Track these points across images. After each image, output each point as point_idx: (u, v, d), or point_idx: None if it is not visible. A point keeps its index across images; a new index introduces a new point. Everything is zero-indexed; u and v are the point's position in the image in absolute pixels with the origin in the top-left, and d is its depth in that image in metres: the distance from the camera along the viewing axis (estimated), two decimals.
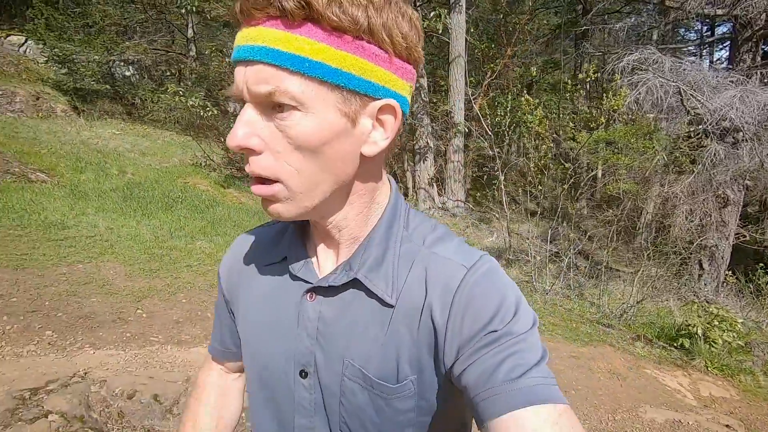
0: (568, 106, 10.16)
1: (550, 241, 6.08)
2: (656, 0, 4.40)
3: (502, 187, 6.22)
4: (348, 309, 0.51)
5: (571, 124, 6.24)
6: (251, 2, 0.39)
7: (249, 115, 0.42)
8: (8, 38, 12.07)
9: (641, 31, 10.12)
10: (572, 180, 5.81)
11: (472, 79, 9.81)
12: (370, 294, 0.50)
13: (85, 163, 6.49)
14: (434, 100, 9.16)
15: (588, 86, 9.44)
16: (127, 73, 12.22)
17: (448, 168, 9.34)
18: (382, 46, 0.42)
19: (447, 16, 6.21)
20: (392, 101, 0.44)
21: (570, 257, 5.42)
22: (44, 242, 3.45)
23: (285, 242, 0.56)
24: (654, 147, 5.38)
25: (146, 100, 11.13)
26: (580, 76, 4.98)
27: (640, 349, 4.02)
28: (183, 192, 6.42)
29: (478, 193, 9.94)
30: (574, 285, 5.44)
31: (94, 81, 10.89)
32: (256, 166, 0.43)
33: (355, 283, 0.50)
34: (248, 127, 0.42)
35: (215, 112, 8.17)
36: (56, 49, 10.23)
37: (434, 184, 9.44)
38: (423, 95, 8.93)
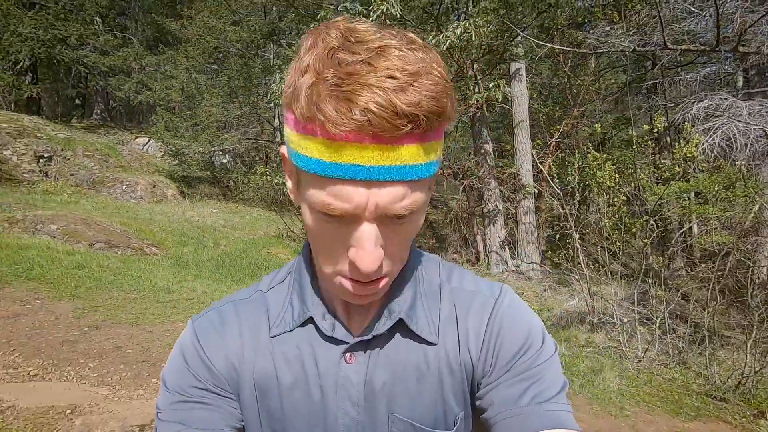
0: (643, 160, 9.70)
1: (639, 303, 5.56)
2: (728, 48, 4.31)
3: (578, 246, 5.96)
4: (390, 360, 0.48)
5: (645, 177, 5.96)
6: (387, 127, 0.34)
7: (373, 234, 0.38)
8: (136, 140, 14.76)
9: (717, 79, 9.66)
10: (656, 235, 5.42)
11: (538, 141, 9.89)
12: (413, 337, 0.48)
13: (188, 238, 7.45)
14: (500, 164, 9.30)
15: (660, 138, 9.04)
16: (224, 161, 14.08)
17: (520, 230, 9.17)
18: None
19: (507, 86, 6.56)
20: None
21: (665, 320, 4.89)
22: (154, 303, 3.99)
23: (296, 305, 0.49)
24: (748, 194, 4.91)
25: (238, 182, 12.69)
26: (645, 127, 4.87)
27: (766, 428, 3.40)
28: (266, 260, 7.03)
29: (555, 255, 9.49)
30: (673, 351, 4.84)
31: (197, 169, 12.77)
32: (373, 277, 0.41)
33: (397, 327, 0.48)
34: (378, 250, 0.39)
35: None
36: (171, 145, 12.29)
37: (506, 247, 9.25)
38: (489, 160, 9.14)
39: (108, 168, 11.64)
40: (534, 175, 9.12)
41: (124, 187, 11.13)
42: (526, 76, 9.21)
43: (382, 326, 0.47)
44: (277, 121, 13.41)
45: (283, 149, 0.44)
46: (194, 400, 0.47)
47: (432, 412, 0.48)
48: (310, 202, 0.39)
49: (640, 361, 4.72)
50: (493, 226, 9.19)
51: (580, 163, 7.66)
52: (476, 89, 7.94)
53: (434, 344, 0.48)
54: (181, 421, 0.46)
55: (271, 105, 12.30)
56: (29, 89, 13.98)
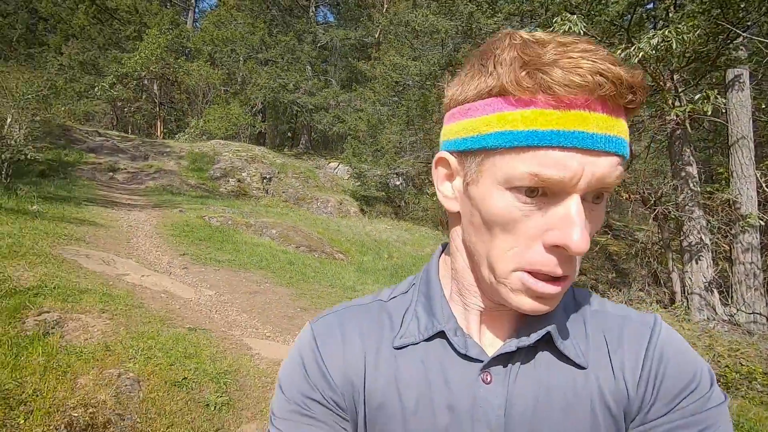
0: None
1: None
2: None
3: None
4: (534, 381, 0.43)
5: None
6: (614, 94, 0.34)
7: (582, 210, 0.36)
8: (329, 164, 17.44)
9: None
10: None
11: (767, 162, 7.96)
12: (559, 357, 0.43)
13: (367, 248, 8.44)
14: (708, 190, 7.77)
15: None
16: (397, 183, 15.40)
17: (737, 271, 7.43)
18: None
19: (720, 96, 5.56)
20: None
21: None
22: (343, 297, 4.72)
23: (422, 316, 0.46)
24: None
25: (409, 202, 13.76)
26: None
27: None
28: None
29: None
30: None
31: (375, 190, 14.36)
32: (570, 266, 0.38)
33: (542, 345, 0.43)
34: (586, 229, 0.37)
35: None
36: (356, 168, 14.16)
37: (714, 290, 7.61)
38: (692, 184, 7.75)
39: (308, 187, 14.07)
40: (760, 203, 7.32)
41: (318, 203, 13.27)
42: (750, 84, 7.56)
43: (527, 339, 0.42)
44: None
45: (443, 153, 0.43)
46: (309, 414, 0.45)
47: None
48: (506, 178, 0.36)
49: None
50: (696, 263, 7.67)
51: None
52: (676, 103, 6.90)
53: (584, 368, 0.42)
54: (298, 430, 0.45)
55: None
56: (260, 126, 18.07)
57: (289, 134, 22.31)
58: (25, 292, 2.79)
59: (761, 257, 7.34)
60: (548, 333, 0.42)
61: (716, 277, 7.59)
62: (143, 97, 19.27)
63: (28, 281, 2.98)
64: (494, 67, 0.37)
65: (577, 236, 0.35)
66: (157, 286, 3.78)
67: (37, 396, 1.94)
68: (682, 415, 0.40)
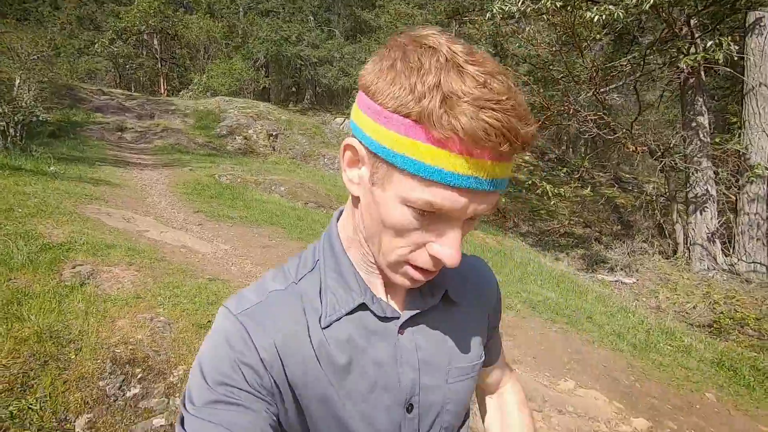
0: None
1: None
2: None
3: None
4: (433, 323, 0.56)
5: None
6: (513, 148, 0.39)
7: (461, 234, 0.44)
8: (335, 119, 17.27)
9: None
10: None
11: None
12: (450, 303, 0.58)
13: None
14: (718, 140, 7.67)
15: None
16: None
17: (741, 221, 7.50)
18: None
19: (733, 43, 5.37)
20: None
21: None
22: None
23: (340, 293, 0.52)
24: None
25: None
26: None
27: None
28: None
29: None
30: None
31: None
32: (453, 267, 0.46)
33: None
34: (459, 246, 0.44)
35: None
36: None
37: (716, 240, 7.72)
38: (702, 135, 7.66)
39: (315, 144, 14.06)
40: None
41: (325, 159, 13.31)
42: None
43: (432, 300, 0.55)
44: None
45: (353, 141, 0.46)
46: (236, 402, 0.45)
47: (474, 351, 0.59)
48: (405, 198, 0.42)
49: None
50: (700, 214, 7.75)
51: None
52: (692, 50, 6.67)
53: (469, 309, 0.60)
54: (220, 423, 0.43)
55: None
56: (264, 81, 17.75)
57: (294, 89, 21.93)
58: (58, 247, 3.02)
59: (767, 208, 7.36)
60: (446, 291, 0.57)
61: (719, 228, 7.68)
62: (144, 53, 18.89)
63: (59, 238, 3.20)
64: (416, 86, 0.39)
65: (452, 253, 0.44)
66: (176, 242, 4.01)
67: (83, 335, 2.20)
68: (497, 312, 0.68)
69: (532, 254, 7.86)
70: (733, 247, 7.56)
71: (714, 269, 7.45)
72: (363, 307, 0.52)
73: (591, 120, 7.46)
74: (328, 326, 0.50)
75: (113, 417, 1.91)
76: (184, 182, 6.94)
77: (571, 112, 7.78)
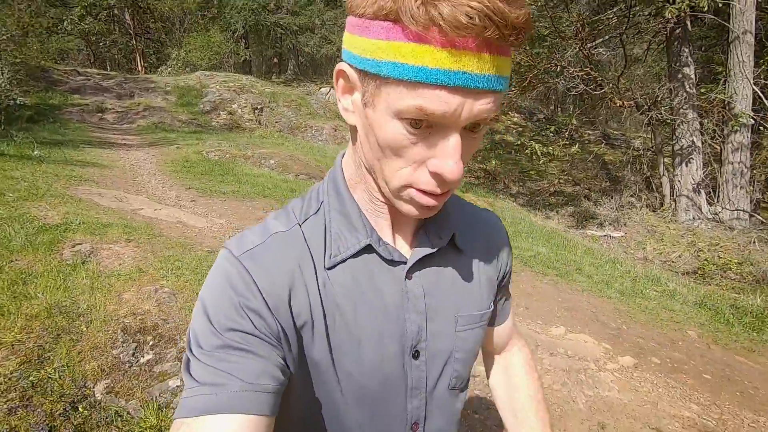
0: None
1: None
2: None
3: None
4: (440, 269, 0.54)
5: None
6: (502, 34, 0.35)
7: (460, 144, 0.40)
8: (320, 90, 16.93)
9: None
10: None
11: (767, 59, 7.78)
12: (456, 250, 0.56)
13: None
14: (703, 91, 7.71)
15: None
16: None
17: (725, 171, 7.65)
18: None
19: None
20: None
21: None
22: None
23: (345, 234, 0.50)
24: None
25: None
26: None
27: None
28: None
29: None
30: None
31: None
32: (446, 188, 0.43)
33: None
34: (461, 161, 0.41)
35: None
36: None
37: (701, 190, 7.91)
38: (688, 86, 7.68)
39: (301, 116, 13.85)
40: (755, 100, 7.31)
41: (313, 131, 13.17)
42: None
43: (440, 242, 0.53)
44: None
45: (343, 66, 0.44)
46: (244, 347, 0.43)
47: (483, 300, 0.58)
48: (396, 109, 0.39)
49: None
50: (686, 165, 7.89)
51: None
52: None
53: (475, 258, 0.58)
54: (227, 371, 0.42)
55: None
56: (244, 53, 17.23)
57: (276, 60, 21.32)
58: (55, 228, 3.04)
59: (750, 156, 7.51)
60: (453, 234, 0.55)
61: (705, 178, 7.84)
62: (117, 29, 18.12)
63: (54, 219, 3.22)
64: None
65: (451, 167, 0.40)
66: (171, 218, 4.04)
67: (92, 309, 2.27)
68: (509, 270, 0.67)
69: (523, 213, 8.00)
70: (718, 196, 7.75)
71: (699, 219, 7.67)
72: (369, 249, 0.50)
73: (578, 76, 7.42)
74: (332, 267, 0.49)
75: (130, 381, 2.01)
76: (172, 160, 6.87)
77: (558, 69, 7.73)
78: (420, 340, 0.51)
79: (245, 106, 13.42)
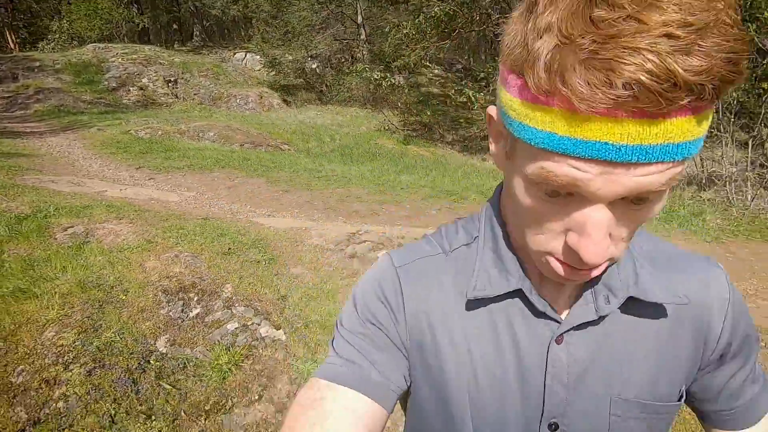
0: None
1: (755, 149, 5.53)
2: None
3: None
4: (607, 339, 0.44)
5: None
6: (658, 102, 0.26)
7: (605, 222, 0.33)
8: (235, 55, 15.94)
9: None
10: None
11: None
12: (642, 309, 0.44)
13: (307, 136, 8.63)
14: None
15: None
16: (314, 66, 14.77)
17: None
18: None
19: None
20: None
21: None
22: (314, 178, 5.18)
23: (494, 273, 0.45)
24: None
25: (331, 85, 13.48)
26: None
27: None
28: (377, 149, 8.01)
29: None
30: None
31: (293, 77, 13.71)
32: (587, 266, 0.36)
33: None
34: (606, 239, 0.33)
35: (394, 81, 9.55)
36: (267, 56, 13.21)
37: None
38: None
39: (221, 84, 13.06)
40: None
41: (237, 100, 12.54)
42: None
43: (608, 307, 0.43)
44: (360, 17, 13.46)
45: (492, 110, 0.40)
46: (375, 338, 0.46)
47: (666, 387, 0.45)
48: (528, 174, 0.33)
49: (747, 208, 4.96)
50: None
51: None
52: None
53: (666, 315, 0.45)
54: (362, 350, 0.46)
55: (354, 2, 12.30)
56: (141, 20, 15.51)
57: (175, 26, 19.45)
58: (34, 216, 2.89)
59: None
60: (630, 297, 0.43)
61: None
62: None
63: (23, 210, 3.04)
64: (531, 38, 0.30)
65: (587, 245, 0.33)
66: (141, 196, 3.93)
67: (122, 281, 2.32)
68: (736, 354, 0.47)
69: (464, 159, 8.65)
70: None
71: None
72: (516, 295, 0.45)
73: (503, 23, 7.93)
74: (473, 301, 0.45)
75: (187, 333, 2.16)
76: (101, 143, 6.36)
77: (479, 18, 8.20)
78: (561, 415, 0.45)
79: (156, 80, 12.30)
